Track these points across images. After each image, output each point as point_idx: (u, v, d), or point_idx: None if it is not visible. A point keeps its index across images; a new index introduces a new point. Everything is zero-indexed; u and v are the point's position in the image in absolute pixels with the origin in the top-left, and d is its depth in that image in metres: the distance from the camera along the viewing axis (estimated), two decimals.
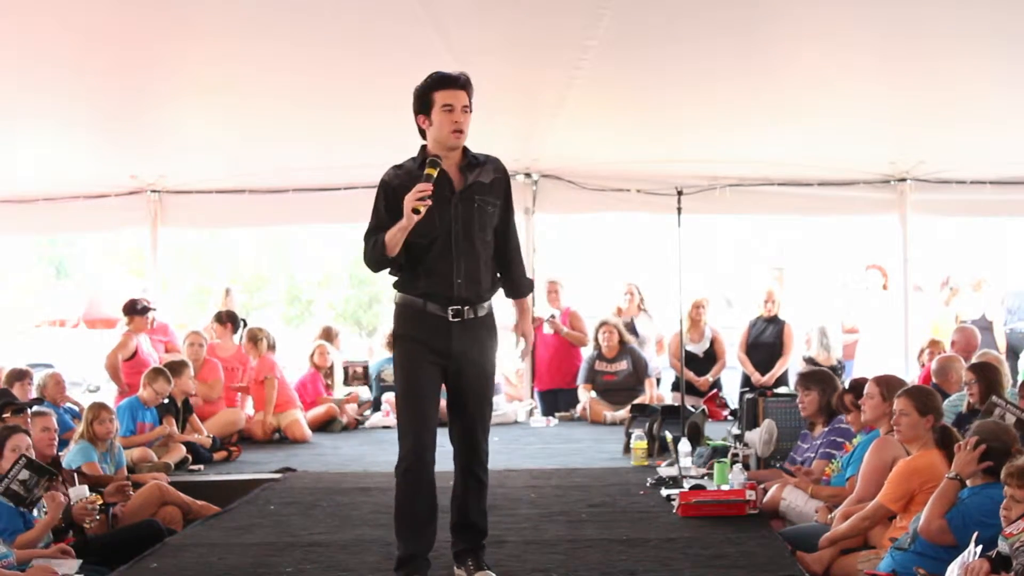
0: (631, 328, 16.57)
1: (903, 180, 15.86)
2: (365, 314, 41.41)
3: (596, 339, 16.08)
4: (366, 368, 16.59)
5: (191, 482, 11.14)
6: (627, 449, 12.38)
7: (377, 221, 7.11)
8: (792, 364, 15.79)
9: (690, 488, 9.39)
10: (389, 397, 16.07)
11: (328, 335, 16.86)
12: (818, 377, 10.29)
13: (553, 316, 16.54)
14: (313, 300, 41.15)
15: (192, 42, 10.98)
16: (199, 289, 35.66)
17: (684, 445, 10.87)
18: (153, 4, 10.12)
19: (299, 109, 12.97)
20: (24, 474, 8.40)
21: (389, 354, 16.53)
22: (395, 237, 6.93)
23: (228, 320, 15.49)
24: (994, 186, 15.64)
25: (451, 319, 7.10)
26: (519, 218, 16.30)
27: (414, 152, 14.52)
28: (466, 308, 7.13)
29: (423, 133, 7.26)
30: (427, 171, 6.97)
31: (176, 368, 12.80)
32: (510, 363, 17.34)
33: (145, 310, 14.35)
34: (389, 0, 10.16)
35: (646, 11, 10.12)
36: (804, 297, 19.31)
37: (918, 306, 16.93)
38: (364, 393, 16.92)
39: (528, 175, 16.08)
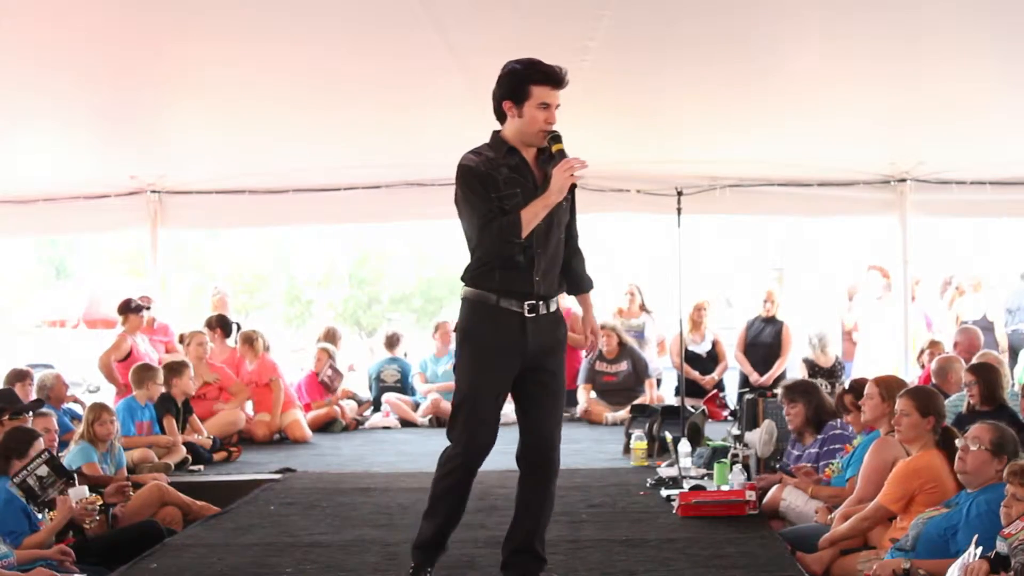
0: (639, 330, 16.61)
1: (903, 180, 15.84)
2: (365, 314, 41.46)
3: None
4: (333, 366, 16.29)
5: (191, 482, 11.15)
6: (627, 450, 12.40)
7: (487, 206, 6.74)
8: (790, 364, 15.80)
9: (690, 488, 9.40)
10: (389, 397, 16.10)
11: (331, 337, 16.84)
12: (802, 388, 10.33)
13: None
14: (313, 300, 41.19)
15: (192, 43, 10.97)
16: (199, 290, 35.70)
17: (684, 445, 10.87)
18: (153, 5, 10.11)
19: (299, 110, 12.96)
20: (43, 470, 8.44)
21: (390, 355, 16.65)
22: (537, 215, 6.70)
23: (219, 325, 15.49)
24: (994, 186, 15.62)
25: (526, 314, 6.86)
26: None
27: (415, 155, 14.54)
28: (541, 303, 6.91)
29: (502, 117, 7.05)
30: (558, 146, 6.80)
31: (176, 368, 12.80)
32: None
33: (139, 308, 14.34)
34: (389, 1, 10.15)
35: (646, 12, 10.12)
36: (803, 298, 19.32)
37: (921, 305, 16.99)
38: (362, 392, 16.94)
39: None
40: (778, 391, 10.97)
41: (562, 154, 6.75)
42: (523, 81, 6.88)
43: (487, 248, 6.77)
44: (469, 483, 7.16)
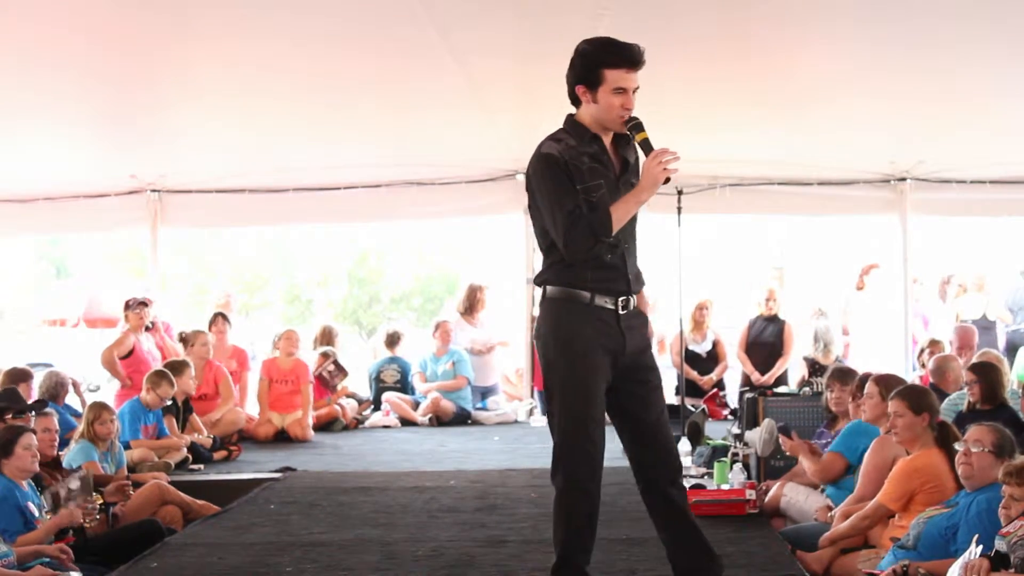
0: None
1: (903, 180, 15.88)
2: (365, 314, 41.46)
3: None
4: (336, 362, 16.31)
5: (191, 482, 11.14)
6: None
7: (574, 200, 6.18)
8: (792, 363, 15.79)
9: (690, 487, 9.38)
10: (389, 396, 16.08)
11: (327, 336, 16.82)
12: (852, 373, 10.23)
13: None
14: (313, 300, 41.18)
15: (192, 42, 10.99)
16: (199, 289, 35.69)
17: (684, 444, 10.87)
18: (154, 5, 10.12)
19: (299, 109, 12.99)
20: (75, 483, 8.47)
21: (390, 354, 16.63)
22: (628, 212, 6.27)
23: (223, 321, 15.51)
24: (994, 185, 15.65)
25: (620, 311, 6.35)
26: (519, 219, 16.41)
27: (415, 154, 14.52)
28: (631, 299, 6.42)
29: (576, 102, 6.46)
30: (641, 135, 6.26)
31: (177, 368, 12.80)
32: (510, 361, 17.41)
33: (137, 306, 14.33)
34: (390, 1, 10.15)
35: (646, 11, 10.12)
36: (804, 296, 19.30)
37: (918, 305, 17.00)
38: (362, 391, 16.94)
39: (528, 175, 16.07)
40: (780, 389, 10.96)
41: (648, 144, 6.23)
42: (596, 64, 6.27)
43: (574, 248, 6.23)
44: (597, 507, 6.51)
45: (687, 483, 9.58)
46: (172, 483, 10.50)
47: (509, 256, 18.77)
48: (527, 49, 11.26)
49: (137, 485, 10.19)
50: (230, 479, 11.58)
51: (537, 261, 16.77)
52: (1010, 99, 12.31)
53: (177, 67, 11.68)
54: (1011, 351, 16.06)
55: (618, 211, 6.21)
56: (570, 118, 6.49)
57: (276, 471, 11.73)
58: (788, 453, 9.63)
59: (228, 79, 11.97)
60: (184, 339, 14.68)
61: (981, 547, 6.21)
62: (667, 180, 6.18)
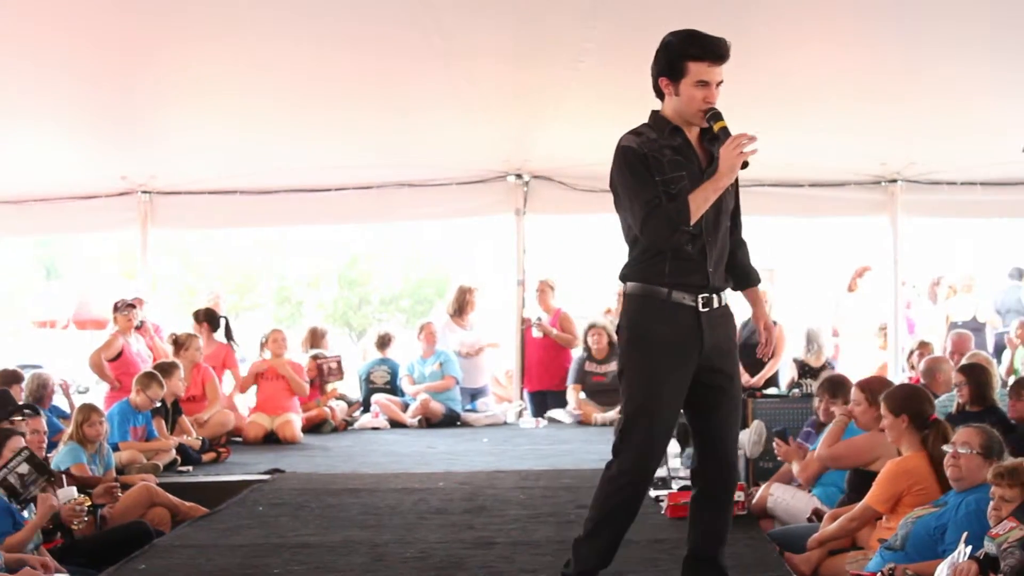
0: None
1: (894, 181, 15.90)
2: (355, 315, 41.47)
3: (586, 341, 16.09)
4: (339, 362, 16.36)
5: (180, 483, 11.11)
6: None
7: (653, 190, 6.14)
8: (783, 366, 15.79)
9: (679, 489, 9.38)
10: (378, 398, 16.06)
11: (314, 337, 16.80)
12: (845, 388, 10.21)
13: (540, 319, 16.56)
14: (303, 301, 41.19)
15: (183, 43, 10.97)
16: (189, 290, 35.67)
17: (673, 446, 10.85)
18: (144, 6, 10.11)
19: (290, 110, 12.98)
20: (24, 468, 8.39)
21: (381, 355, 16.63)
22: (707, 199, 6.13)
23: (206, 319, 15.45)
24: (984, 187, 15.68)
25: (701, 309, 6.25)
26: (510, 220, 16.43)
27: (405, 155, 14.51)
28: (714, 297, 6.32)
29: (660, 95, 6.44)
30: (720, 124, 6.24)
31: (166, 369, 12.77)
32: (500, 363, 17.42)
33: (126, 307, 14.31)
34: (386, 2, 10.14)
35: (641, 14, 10.11)
36: (795, 298, 19.33)
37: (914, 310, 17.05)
38: (352, 392, 16.94)
39: (519, 176, 16.11)
40: (770, 391, 10.95)
41: (726, 132, 6.20)
42: (679, 57, 6.27)
43: (652, 237, 6.18)
44: (640, 502, 6.49)
45: (675, 485, 9.65)
46: (160, 485, 10.48)
47: (500, 258, 18.81)
48: (519, 51, 11.26)
49: (125, 487, 10.16)
50: (219, 481, 11.54)
51: (528, 263, 16.85)
52: (1001, 100, 12.31)
53: (168, 68, 11.65)
54: (1000, 353, 16.11)
55: (696, 199, 6.13)
56: (653, 113, 6.45)
57: (265, 473, 11.70)
58: (781, 459, 9.63)
59: (219, 80, 11.95)
60: (176, 341, 14.63)
61: (970, 548, 6.21)
62: (745, 165, 6.14)
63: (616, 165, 6.32)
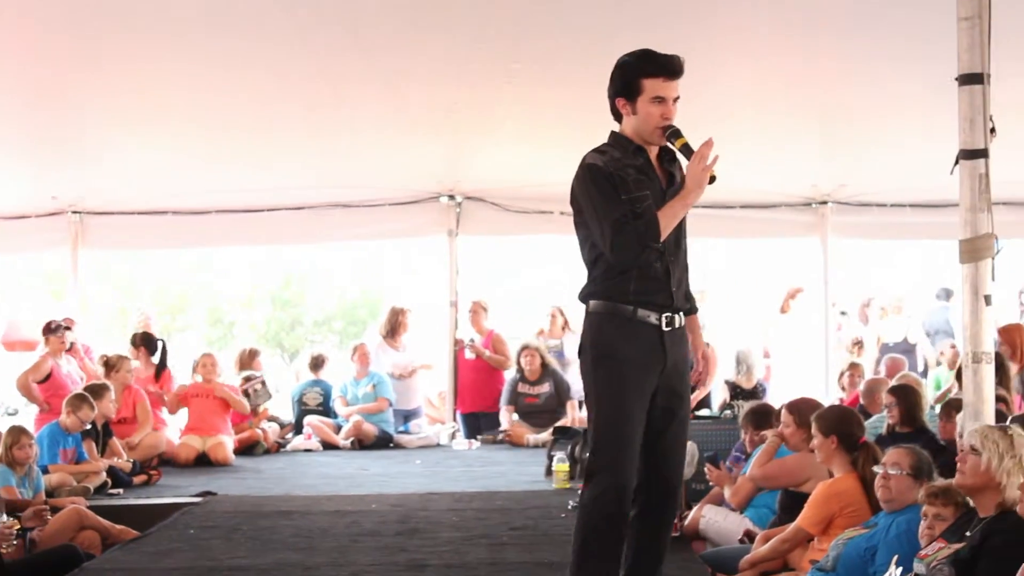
0: (559, 350, 16.61)
1: (824, 203, 16.01)
2: (288, 336, 41.27)
3: (519, 362, 16.09)
4: (263, 382, 16.29)
5: (110, 506, 11.04)
6: (549, 472, 12.37)
7: (621, 209, 6.13)
8: (715, 387, 15.84)
9: None
10: (311, 420, 16.00)
11: (249, 358, 16.75)
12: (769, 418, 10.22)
13: (472, 340, 16.57)
14: (236, 322, 40.96)
15: (115, 64, 10.91)
16: (121, 312, 35.39)
17: None
18: (76, 28, 10.05)
19: (223, 132, 12.93)
20: None
21: (314, 377, 16.57)
22: (676, 216, 6.22)
23: (143, 343, 15.37)
24: (914, 209, 15.81)
25: (664, 328, 6.28)
26: (443, 241, 16.43)
27: (339, 176, 14.48)
28: (676, 316, 6.35)
29: (618, 117, 6.45)
30: (681, 141, 6.28)
31: (97, 391, 12.68)
32: (432, 384, 17.40)
33: (58, 329, 14.22)
34: (315, 25, 10.12)
35: (571, 36, 10.15)
36: (727, 320, 19.39)
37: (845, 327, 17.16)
38: (284, 414, 16.88)
39: (452, 197, 16.11)
40: (702, 412, 10.98)
41: (688, 149, 6.27)
42: (634, 75, 6.31)
43: (622, 255, 6.17)
44: (625, 523, 6.35)
45: None
46: (91, 508, 10.41)
47: (433, 279, 18.77)
48: (450, 72, 11.26)
49: (55, 510, 10.09)
50: (150, 503, 11.49)
51: (460, 284, 16.82)
52: (930, 123, 12.38)
53: (100, 89, 11.59)
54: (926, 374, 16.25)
55: (665, 216, 6.20)
56: (613, 134, 6.48)
57: (196, 495, 11.65)
58: (712, 483, 9.67)
59: (151, 101, 11.89)
60: (107, 363, 14.52)
61: (900, 568, 6.26)
62: (712, 180, 6.23)
63: (581, 183, 6.37)
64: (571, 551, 6.42)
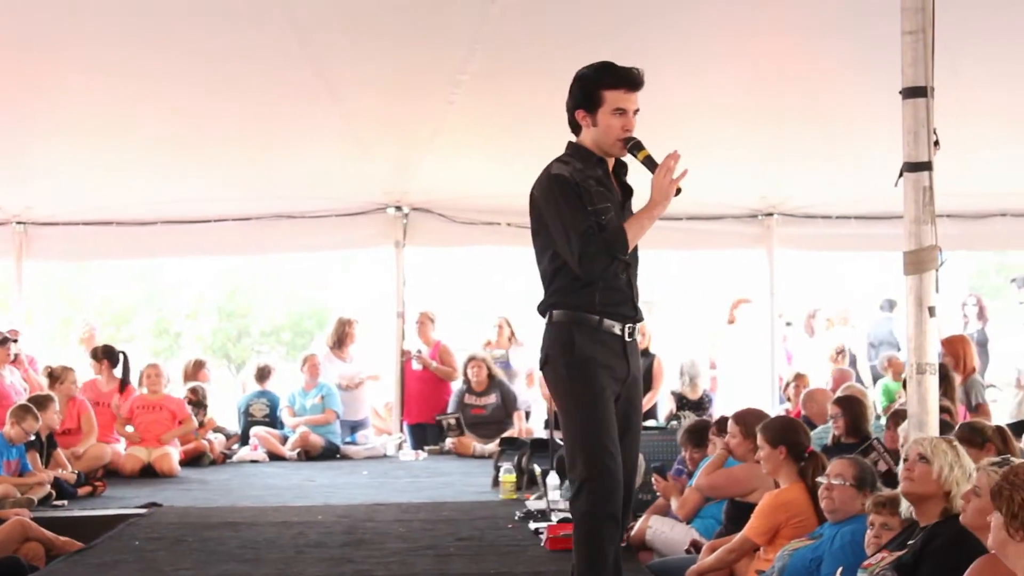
0: (504, 360, 16.62)
1: (770, 215, 16.09)
2: (234, 347, 41.12)
3: (465, 373, 16.10)
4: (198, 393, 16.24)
5: (55, 518, 10.94)
6: (496, 482, 12.38)
7: (587, 220, 6.18)
8: (661, 398, 15.88)
9: (558, 521, 9.43)
10: (257, 431, 15.95)
11: (195, 369, 16.72)
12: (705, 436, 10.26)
13: (419, 351, 16.56)
14: (182, 333, 40.77)
15: (59, 76, 10.88)
16: (66, 323, 35.18)
17: (552, 478, 10.88)
18: (17, 39, 10.01)
19: (169, 143, 12.87)
20: None
21: (260, 388, 16.51)
22: (643, 228, 6.30)
23: (105, 356, 15.28)
24: (859, 221, 15.91)
25: (627, 338, 6.34)
26: (389, 252, 16.41)
27: (286, 187, 14.44)
28: (636, 327, 6.42)
29: (576, 128, 6.51)
30: (644, 153, 6.27)
31: (41, 402, 12.60)
32: (379, 395, 17.38)
33: (4, 341, 14.13)
34: (263, 36, 10.10)
35: (518, 46, 10.17)
36: (674, 330, 19.45)
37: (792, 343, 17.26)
38: (230, 425, 16.83)
39: (399, 208, 16.10)
40: (649, 423, 11.00)
41: (651, 161, 6.27)
42: (594, 87, 6.35)
43: (590, 267, 6.19)
44: (622, 529, 6.47)
45: (555, 517, 9.67)
46: (35, 519, 10.33)
47: (380, 290, 18.75)
48: (395, 82, 11.26)
49: None
50: (94, 515, 11.39)
51: (407, 295, 16.80)
52: (875, 136, 12.46)
53: (44, 100, 11.53)
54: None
55: (632, 228, 6.27)
56: (572, 144, 6.50)
57: (141, 507, 11.58)
58: (660, 494, 9.68)
59: (95, 112, 11.85)
60: (51, 374, 14.43)
61: None
62: (678, 192, 6.26)
63: (546, 194, 6.36)
64: (576, 560, 6.34)
